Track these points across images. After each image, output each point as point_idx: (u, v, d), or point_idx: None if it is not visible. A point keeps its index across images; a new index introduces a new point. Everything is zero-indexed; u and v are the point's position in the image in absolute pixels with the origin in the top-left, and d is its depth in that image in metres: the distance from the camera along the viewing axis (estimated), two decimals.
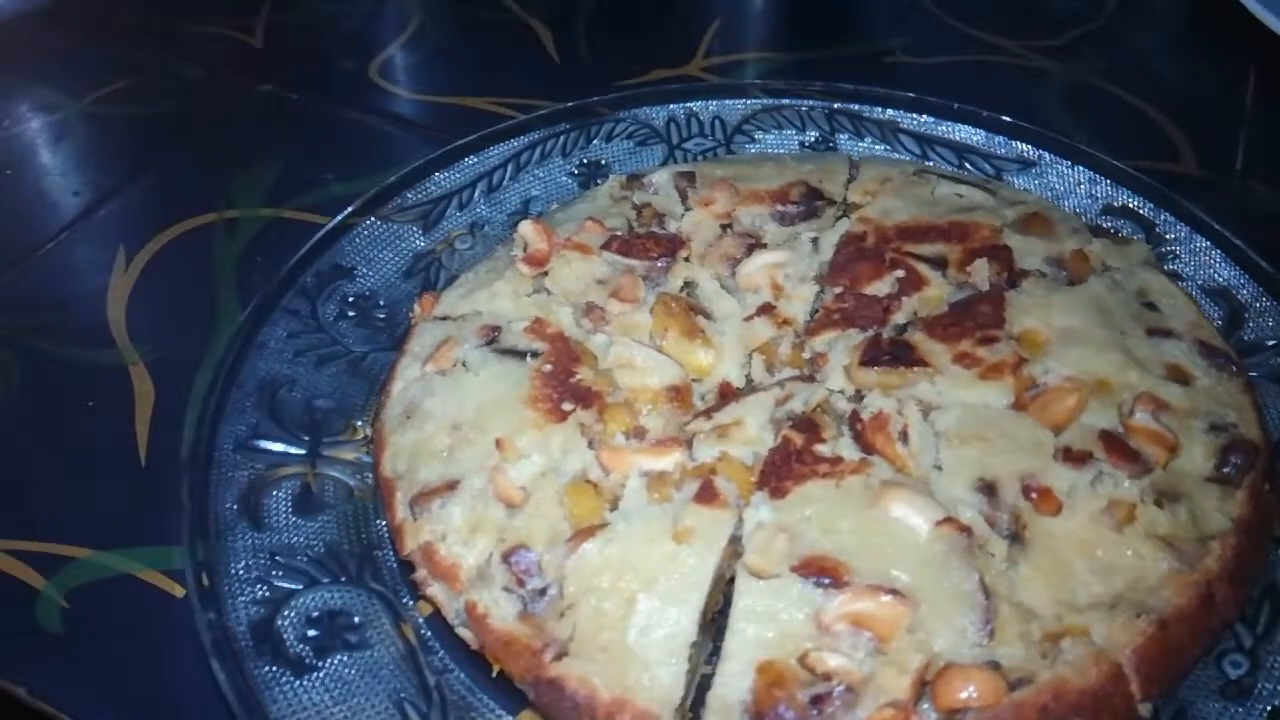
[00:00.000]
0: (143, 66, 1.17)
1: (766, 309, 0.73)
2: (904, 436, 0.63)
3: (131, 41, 1.22)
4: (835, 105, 0.95)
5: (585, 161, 0.94)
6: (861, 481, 0.61)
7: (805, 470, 0.62)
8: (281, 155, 1.04)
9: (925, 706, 0.53)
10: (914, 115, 0.93)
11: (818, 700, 0.53)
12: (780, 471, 0.62)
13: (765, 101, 0.96)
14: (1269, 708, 0.58)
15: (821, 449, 0.63)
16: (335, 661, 0.61)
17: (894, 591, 0.55)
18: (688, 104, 0.96)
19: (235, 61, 1.18)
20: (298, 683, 0.59)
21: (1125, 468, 0.60)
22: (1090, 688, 0.54)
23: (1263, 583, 0.63)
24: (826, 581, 0.56)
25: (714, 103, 0.97)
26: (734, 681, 0.55)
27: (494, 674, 0.61)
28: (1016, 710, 0.53)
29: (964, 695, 0.53)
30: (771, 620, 0.56)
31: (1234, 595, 0.59)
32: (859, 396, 0.67)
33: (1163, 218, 0.84)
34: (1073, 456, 0.61)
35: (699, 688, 0.58)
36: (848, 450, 0.64)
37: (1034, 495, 0.59)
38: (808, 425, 0.65)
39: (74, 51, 1.21)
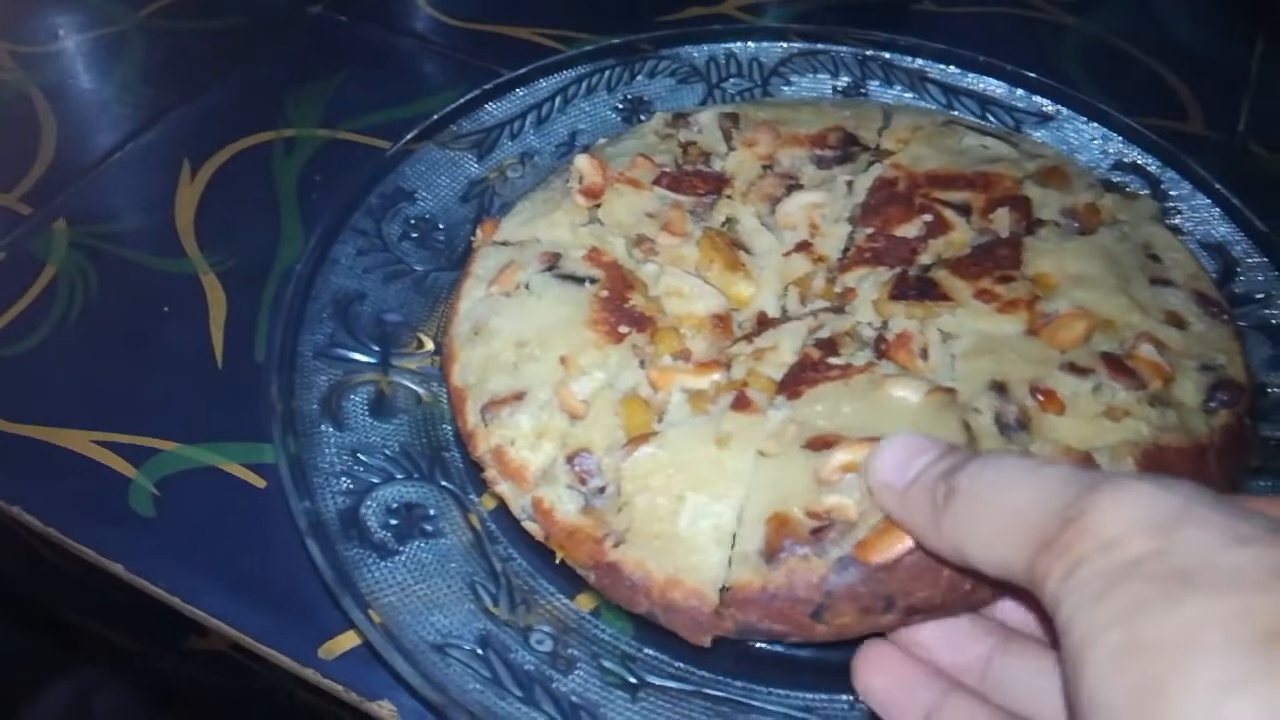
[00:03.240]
0: None
1: (803, 246, 0.80)
2: (924, 354, 0.70)
3: None
4: (867, 52, 1.00)
5: (629, 97, 0.99)
6: (866, 378, 0.68)
7: (819, 376, 0.69)
8: (333, 77, 1.09)
9: None
10: (941, 65, 0.99)
11: (818, 532, 0.61)
12: (797, 379, 0.70)
13: (802, 46, 1.01)
14: None
15: (835, 360, 0.70)
16: (414, 547, 0.68)
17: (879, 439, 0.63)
18: (727, 44, 1.02)
19: None
20: (383, 564, 0.67)
21: (1123, 381, 0.67)
22: None
23: None
24: (827, 451, 0.64)
25: (752, 44, 1.02)
26: (749, 536, 0.63)
27: (556, 561, 0.68)
28: None
29: None
30: (778, 486, 0.64)
31: (1223, 475, 0.67)
32: (884, 325, 0.74)
33: (1168, 175, 0.90)
34: (1076, 369, 0.68)
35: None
36: (859, 359, 0.70)
37: (1040, 396, 0.66)
38: (828, 345, 0.72)
39: None
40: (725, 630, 0.64)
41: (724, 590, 0.63)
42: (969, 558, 0.48)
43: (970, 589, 0.60)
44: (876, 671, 0.56)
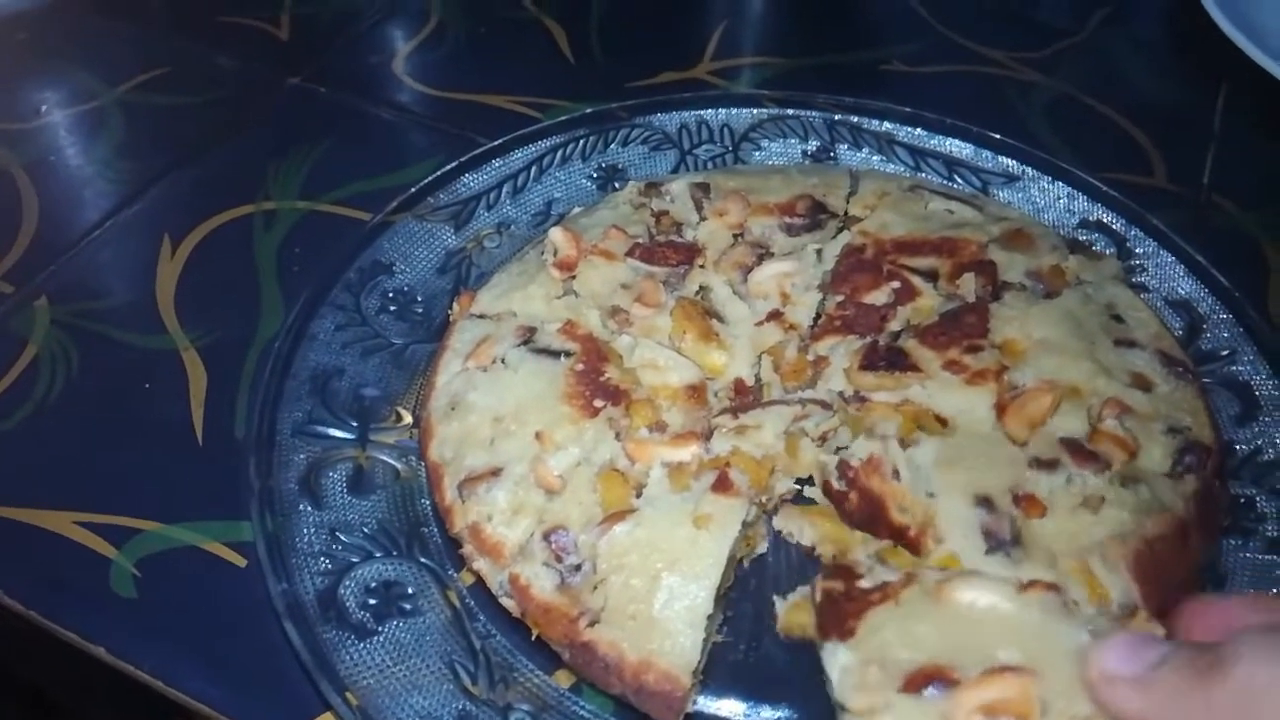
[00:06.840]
0: (175, 56, 1.22)
1: (775, 315, 0.81)
2: (895, 474, 0.69)
3: (163, 31, 1.27)
4: (836, 117, 1.02)
5: (603, 165, 1.01)
6: (916, 591, 0.62)
7: (859, 606, 0.62)
8: (313, 149, 1.10)
9: None
10: (909, 128, 1.01)
11: None
12: (839, 615, 0.63)
13: (771, 111, 1.03)
14: None
15: (863, 584, 0.64)
16: (392, 626, 0.69)
17: (1009, 668, 0.56)
18: (698, 111, 1.04)
19: (264, 53, 1.23)
20: (361, 645, 0.67)
21: (1089, 467, 0.68)
22: None
23: (1207, 569, 0.72)
24: (939, 687, 0.56)
25: (723, 111, 1.04)
26: None
27: (533, 638, 0.68)
28: None
29: None
30: None
31: (1203, 542, 0.68)
32: (859, 398, 0.75)
33: (1133, 233, 0.92)
34: (1044, 464, 0.68)
35: (710, 655, 0.67)
36: (888, 575, 0.64)
37: (1022, 503, 0.66)
38: (841, 572, 0.66)
39: (107, 39, 1.25)
40: None
41: None
42: None
43: None
44: None
